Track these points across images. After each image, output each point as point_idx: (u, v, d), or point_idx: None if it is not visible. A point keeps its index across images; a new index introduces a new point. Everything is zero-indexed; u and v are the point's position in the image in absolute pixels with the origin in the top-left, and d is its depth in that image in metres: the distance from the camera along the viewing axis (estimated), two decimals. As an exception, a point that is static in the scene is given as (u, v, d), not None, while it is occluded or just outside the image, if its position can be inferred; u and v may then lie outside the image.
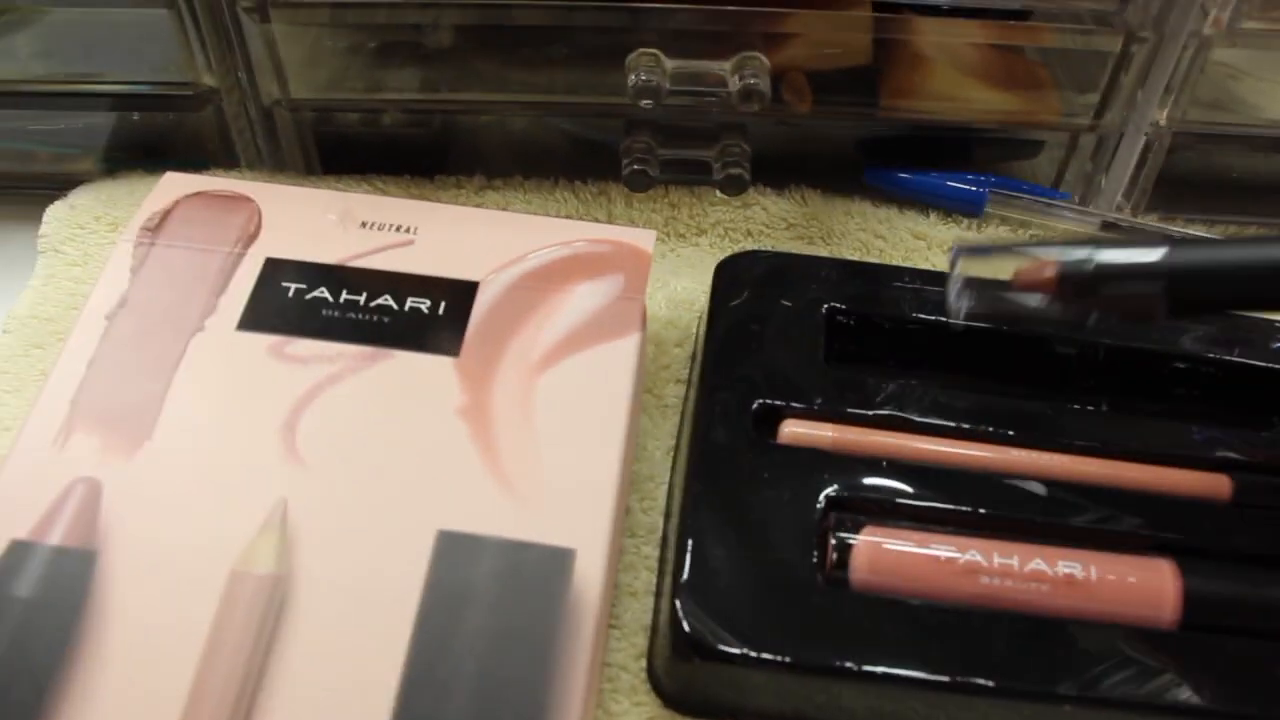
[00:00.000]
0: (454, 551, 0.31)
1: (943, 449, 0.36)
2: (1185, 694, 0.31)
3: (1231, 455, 0.36)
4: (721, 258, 0.41)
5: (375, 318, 0.36)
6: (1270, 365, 0.39)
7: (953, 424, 0.36)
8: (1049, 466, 0.36)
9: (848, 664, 0.31)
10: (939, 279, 0.41)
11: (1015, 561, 0.32)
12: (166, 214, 0.39)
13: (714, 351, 0.38)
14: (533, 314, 0.36)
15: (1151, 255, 0.32)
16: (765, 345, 0.38)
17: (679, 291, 0.43)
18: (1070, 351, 0.39)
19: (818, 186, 0.48)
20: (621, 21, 0.42)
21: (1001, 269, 0.33)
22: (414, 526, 0.32)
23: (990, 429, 0.36)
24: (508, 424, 0.34)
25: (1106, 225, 0.47)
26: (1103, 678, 0.31)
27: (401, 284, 0.37)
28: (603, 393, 0.35)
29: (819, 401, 0.37)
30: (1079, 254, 0.32)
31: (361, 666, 0.30)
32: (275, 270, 0.37)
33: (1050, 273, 0.32)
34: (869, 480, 0.35)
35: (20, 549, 0.31)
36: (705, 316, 0.39)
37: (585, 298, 0.37)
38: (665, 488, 0.38)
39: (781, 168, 0.47)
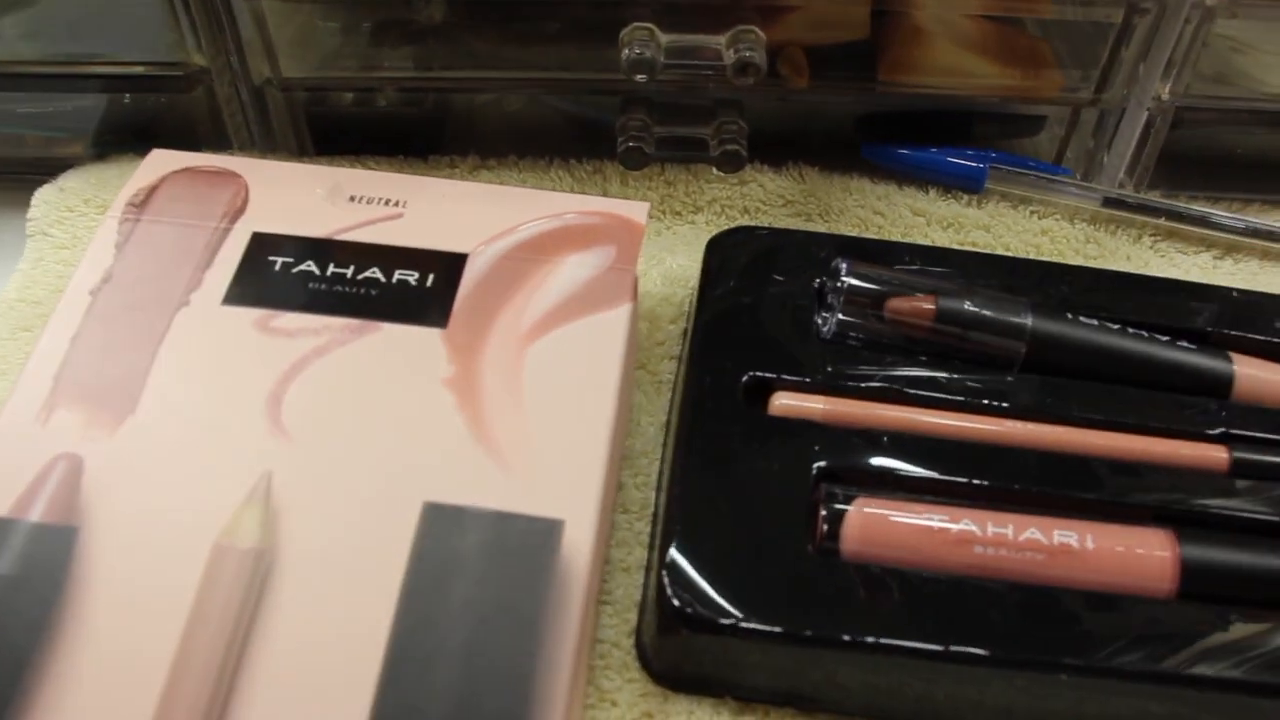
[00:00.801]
0: (441, 523, 0.31)
1: (936, 420, 0.35)
2: (1183, 663, 0.30)
3: (1228, 427, 0.36)
4: (716, 235, 0.41)
5: (363, 290, 0.35)
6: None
7: (946, 396, 0.36)
8: (1044, 437, 0.35)
9: (839, 634, 0.30)
10: (932, 254, 0.40)
11: (1010, 531, 0.32)
12: (153, 190, 0.38)
13: (705, 325, 0.37)
14: (522, 285, 0.36)
15: (1019, 317, 0.36)
16: (757, 319, 0.37)
17: (674, 269, 0.43)
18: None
19: (815, 163, 0.47)
20: (615, -5, 0.42)
21: (881, 293, 0.37)
22: (400, 498, 0.31)
23: (985, 401, 0.36)
24: (496, 395, 0.33)
25: (1109, 201, 0.46)
26: (1100, 647, 0.30)
27: (389, 257, 0.36)
28: (593, 363, 0.34)
29: (810, 374, 0.36)
30: (955, 301, 0.36)
31: (346, 640, 0.29)
32: (262, 244, 0.37)
33: (927, 309, 0.36)
34: (860, 451, 0.34)
35: (0, 526, 0.31)
36: (696, 290, 0.39)
37: (576, 269, 0.36)
38: (659, 463, 0.37)
39: (779, 144, 0.47)
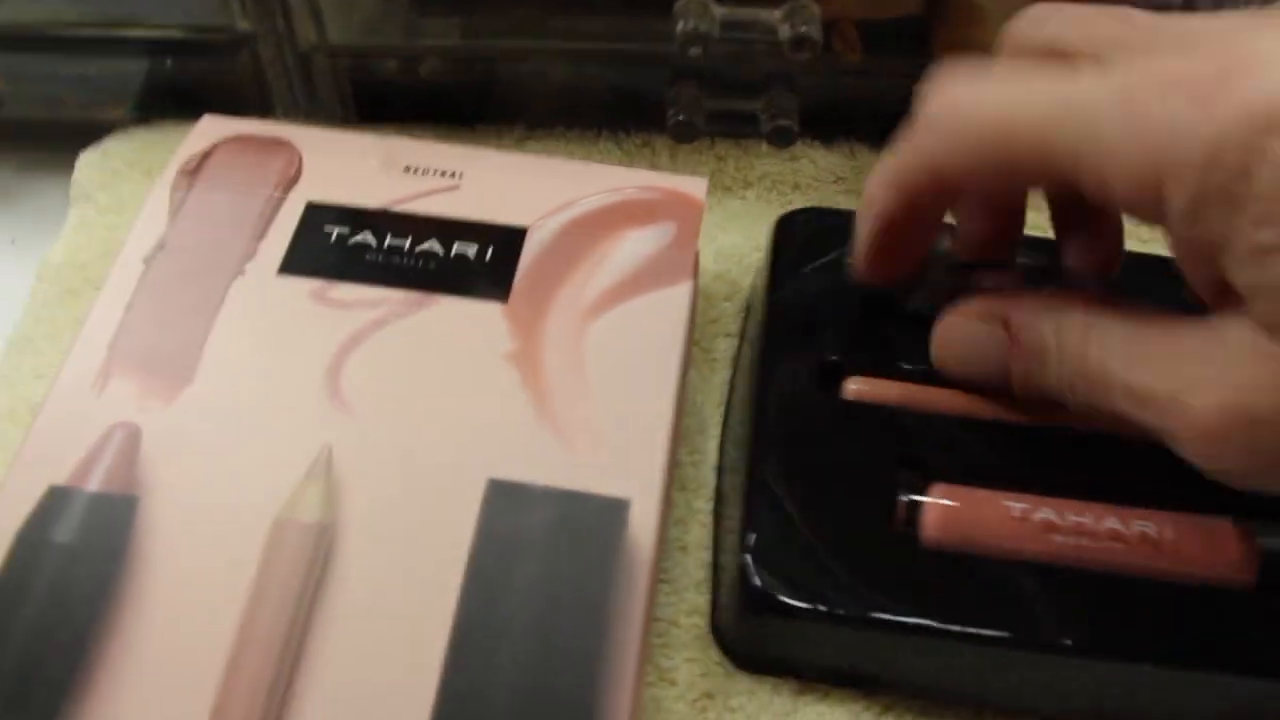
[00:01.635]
0: (505, 500, 0.31)
1: (1009, 408, 0.35)
2: (1263, 656, 0.30)
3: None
4: (769, 211, 0.40)
5: (420, 263, 0.35)
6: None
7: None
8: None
9: (919, 619, 0.30)
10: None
11: (1089, 520, 0.31)
12: (205, 157, 0.38)
13: (775, 307, 0.37)
14: (583, 260, 0.35)
15: None
16: (828, 302, 0.37)
17: (726, 246, 0.42)
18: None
19: (867, 140, 0.46)
20: (669, -35, 0.41)
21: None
22: (463, 474, 0.31)
23: None
24: (559, 370, 0.33)
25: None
26: (1181, 637, 0.30)
27: (447, 229, 0.36)
28: (655, 341, 0.34)
29: (885, 359, 0.35)
30: None
31: (411, 618, 0.29)
32: (316, 214, 0.36)
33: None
34: (936, 437, 0.34)
35: (59, 494, 0.31)
36: (765, 272, 0.38)
37: (636, 244, 0.36)
38: (715, 442, 0.37)
39: (830, 120, 0.46)
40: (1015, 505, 0.32)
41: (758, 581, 0.31)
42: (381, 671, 0.29)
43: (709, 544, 0.35)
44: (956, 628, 0.30)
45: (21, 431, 0.35)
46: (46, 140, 0.47)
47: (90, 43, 0.46)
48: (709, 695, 0.32)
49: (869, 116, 0.47)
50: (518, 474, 0.31)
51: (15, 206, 0.46)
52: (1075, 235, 0.34)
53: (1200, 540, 0.31)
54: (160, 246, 0.36)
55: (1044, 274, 0.35)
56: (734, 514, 0.33)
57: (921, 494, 0.32)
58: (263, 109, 0.47)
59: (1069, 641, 0.30)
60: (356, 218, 0.36)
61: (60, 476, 0.31)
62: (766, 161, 0.46)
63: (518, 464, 0.31)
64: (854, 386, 0.35)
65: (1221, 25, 0.27)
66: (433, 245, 0.35)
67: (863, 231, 0.33)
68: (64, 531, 0.30)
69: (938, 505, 0.32)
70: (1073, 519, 0.31)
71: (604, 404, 0.32)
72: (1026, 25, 0.32)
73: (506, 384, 0.33)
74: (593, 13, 0.44)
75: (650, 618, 0.32)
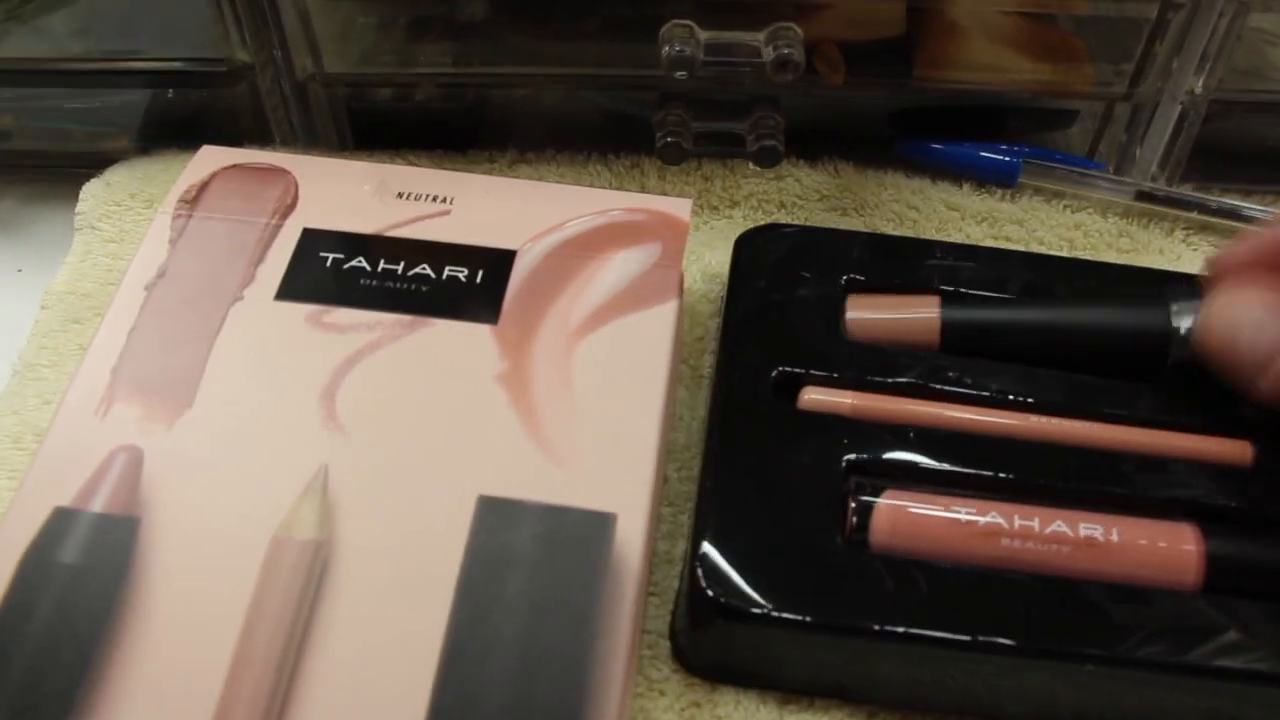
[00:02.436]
0: (495, 516, 0.32)
1: (963, 415, 0.36)
2: (1207, 655, 0.31)
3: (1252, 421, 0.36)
4: (750, 230, 0.41)
5: (413, 286, 0.36)
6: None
7: (973, 391, 0.36)
8: (1071, 432, 0.36)
9: (868, 624, 0.31)
10: (955, 250, 0.41)
11: (1036, 524, 0.32)
12: (204, 186, 0.39)
13: (735, 321, 0.38)
14: (570, 281, 0.36)
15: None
16: (786, 315, 0.38)
17: (713, 264, 0.43)
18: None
19: (851, 158, 0.47)
20: (655, -8, 0.42)
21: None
22: (455, 492, 0.32)
23: (1011, 396, 0.36)
24: (547, 389, 0.34)
25: (1141, 195, 0.47)
26: (1125, 639, 0.31)
27: (439, 253, 0.37)
28: (641, 358, 0.35)
29: (839, 369, 0.37)
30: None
31: (404, 631, 0.30)
32: (312, 240, 0.37)
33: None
34: (889, 445, 0.35)
35: (64, 516, 0.32)
36: (727, 287, 0.39)
37: (623, 265, 0.37)
38: (700, 457, 0.38)
39: (814, 140, 0.47)
40: (963, 510, 0.33)
41: (708, 591, 0.32)
42: (375, 685, 0.29)
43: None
44: (901, 630, 0.31)
45: (28, 457, 0.36)
46: (51, 171, 0.48)
47: (94, 75, 0.47)
48: (696, 705, 0.33)
49: (853, 136, 0.48)
50: (507, 491, 0.32)
51: (22, 236, 0.47)
52: None
53: (1147, 543, 0.32)
54: (161, 274, 0.37)
55: None
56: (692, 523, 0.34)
57: (872, 500, 0.33)
58: (262, 138, 0.48)
59: (1012, 643, 0.31)
60: (351, 243, 0.37)
61: (65, 499, 0.32)
62: (753, 181, 0.47)
63: (507, 481, 0.32)
64: (809, 396, 0.36)
65: None
66: (425, 269, 0.36)
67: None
68: (69, 552, 0.31)
69: (886, 511, 0.33)
70: (1020, 523, 0.32)
71: (592, 421, 0.33)
72: None
73: (496, 404, 0.34)
74: (582, 39, 0.46)
75: (639, 629, 0.33)
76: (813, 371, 0.37)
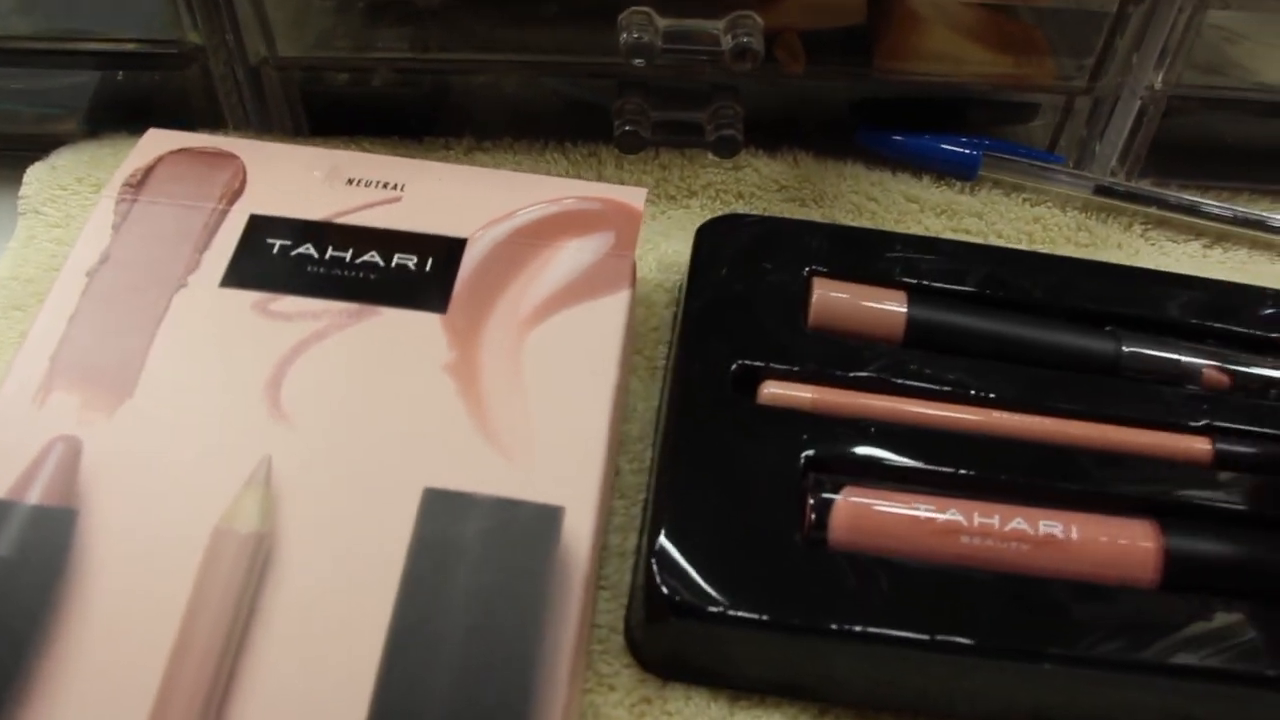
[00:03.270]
0: (441, 509, 0.31)
1: (924, 411, 0.35)
2: (1165, 652, 0.31)
3: (1211, 420, 0.36)
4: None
5: (361, 274, 0.35)
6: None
7: (935, 387, 0.36)
8: (1031, 428, 0.35)
9: (825, 623, 0.31)
10: (915, 243, 0.41)
11: (996, 521, 0.32)
12: (149, 170, 0.38)
13: (694, 313, 0.38)
14: (522, 270, 0.36)
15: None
16: (746, 308, 0.38)
17: (669, 254, 0.43)
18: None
19: (810, 148, 0.47)
20: (613, -22, 0.42)
21: None
22: (401, 484, 0.31)
23: (972, 391, 0.36)
24: (496, 380, 0.33)
25: (1100, 189, 0.47)
26: (1084, 636, 0.31)
27: (388, 241, 0.36)
28: (593, 348, 0.34)
29: (799, 363, 0.36)
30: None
31: (347, 624, 0.30)
32: (259, 227, 0.37)
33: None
34: (848, 441, 0.34)
35: (-1, 507, 0.31)
36: (686, 278, 0.39)
37: (575, 254, 0.36)
38: (652, 449, 0.38)
39: (774, 130, 0.47)
40: (922, 507, 0.32)
41: (663, 588, 0.31)
42: (318, 678, 0.29)
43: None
44: (859, 629, 0.31)
45: (-36, 445, 0.35)
46: (-5, 153, 0.47)
47: (41, 55, 0.46)
48: (646, 700, 0.33)
49: (812, 126, 0.48)
50: (455, 483, 0.31)
51: (-36, 220, 0.46)
52: None
53: (1107, 539, 0.32)
54: (103, 259, 0.36)
55: None
56: (647, 517, 0.33)
57: (831, 497, 0.33)
58: (214, 122, 0.47)
59: (970, 642, 0.31)
60: (299, 230, 0.37)
61: (1, 490, 0.31)
62: (710, 171, 0.46)
63: (455, 473, 0.32)
64: (768, 391, 0.35)
65: None
66: (373, 257, 0.36)
67: None
68: (2, 545, 0.30)
69: (845, 508, 0.32)
70: (980, 520, 0.32)
71: (541, 412, 0.33)
72: None
73: (444, 394, 0.33)
74: (541, 25, 0.45)
75: (588, 624, 0.32)
76: (773, 365, 0.36)
